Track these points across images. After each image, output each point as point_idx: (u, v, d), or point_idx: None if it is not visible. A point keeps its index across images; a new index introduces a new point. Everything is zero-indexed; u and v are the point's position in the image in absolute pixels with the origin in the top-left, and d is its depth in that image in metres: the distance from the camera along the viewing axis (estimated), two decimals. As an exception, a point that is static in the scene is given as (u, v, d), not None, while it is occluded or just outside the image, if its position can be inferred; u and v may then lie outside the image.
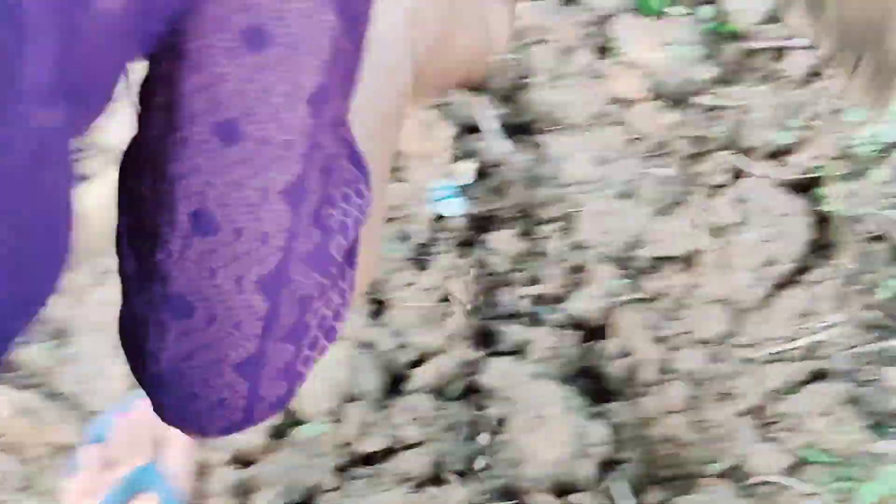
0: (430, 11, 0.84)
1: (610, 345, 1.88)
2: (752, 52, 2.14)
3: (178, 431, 0.69)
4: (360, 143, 0.67)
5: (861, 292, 1.78)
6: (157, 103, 0.56)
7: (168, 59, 0.54)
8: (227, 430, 0.66)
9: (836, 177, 1.88)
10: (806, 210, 1.85)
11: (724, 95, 2.01)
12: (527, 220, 2.00)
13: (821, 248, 1.88)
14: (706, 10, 2.17)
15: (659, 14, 2.13)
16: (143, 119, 0.57)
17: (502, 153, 2.00)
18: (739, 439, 1.72)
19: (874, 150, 1.86)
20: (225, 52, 0.53)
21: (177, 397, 0.63)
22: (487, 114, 2.02)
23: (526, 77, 2.09)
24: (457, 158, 1.99)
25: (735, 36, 2.14)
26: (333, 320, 0.65)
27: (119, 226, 0.63)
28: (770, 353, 1.79)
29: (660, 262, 1.96)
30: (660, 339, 1.88)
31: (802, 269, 1.85)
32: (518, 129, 2.04)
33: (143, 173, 0.59)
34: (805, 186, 1.94)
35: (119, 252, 0.64)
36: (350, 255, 0.65)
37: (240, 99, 0.55)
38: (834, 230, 1.86)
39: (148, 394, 0.64)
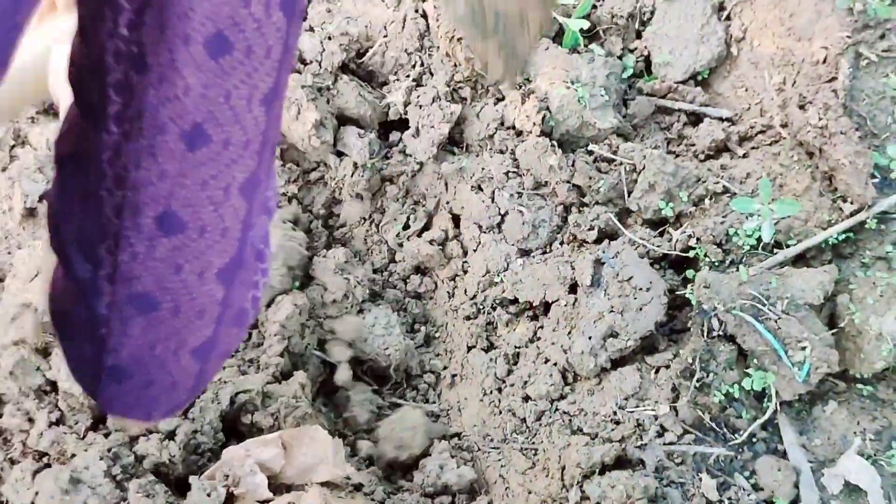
0: None
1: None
2: (664, 111, 2.02)
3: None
4: None
5: (695, 390, 1.68)
6: (116, 112, 0.57)
7: (129, 71, 0.56)
8: (172, 412, 0.71)
9: (706, 262, 1.77)
10: (665, 290, 1.74)
11: (619, 149, 1.89)
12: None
13: (669, 332, 1.79)
14: (630, 58, 2.05)
15: (574, 48, 2.01)
16: (96, 124, 0.58)
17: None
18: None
19: (749, 247, 1.76)
20: (188, 63, 0.56)
21: (132, 385, 0.67)
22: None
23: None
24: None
25: (651, 91, 2.03)
26: (255, 304, 0.70)
27: (63, 232, 0.64)
28: (587, 427, 1.69)
29: (510, 303, 1.87)
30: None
31: (644, 350, 1.75)
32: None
33: (102, 178, 0.59)
34: (673, 263, 1.84)
35: (65, 257, 0.64)
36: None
37: (204, 105, 0.58)
38: (686, 318, 1.76)
39: (95, 390, 0.67)
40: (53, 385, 1.58)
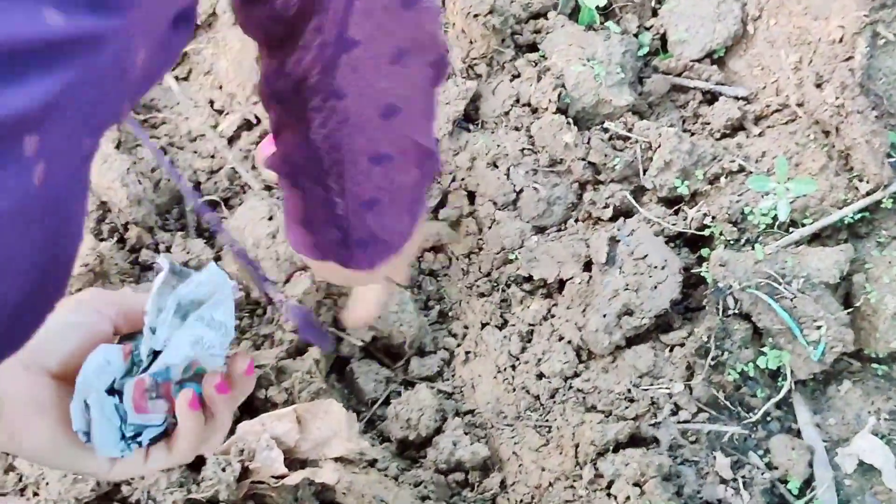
0: None
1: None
2: (679, 89, 2.02)
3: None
4: None
5: (710, 368, 1.68)
6: (319, 122, 0.83)
7: (328, 98, 0.81)
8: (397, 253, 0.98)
9: (721, 241, 1.77)
10: (680, 268, 1.73)
11: (634, 127, 1.89)
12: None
13: (684, 310, 1.79)
14: (646, 35, 2.04)
15: (590, 26, 2.00)
16: (303, 129, 0.84)
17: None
18: (544, 498, 1.63)
19: (765, 225, 1.76)
20: (381, 78, 0.82)
21: (374, 248, 0.94)
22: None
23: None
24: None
25: (667, 69, 2.02)
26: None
27: (299, 178, 0.90)
28: (601, 405, 1.69)
29: (525, 281, 1.86)
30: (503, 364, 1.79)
31: (658, 328, 1.75)
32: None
33: (316, 149, 0.85)
34: (688, 241, 1.84)
35: (302, 189, 0.91)
36: None
37: (392, 91, 0.83)
38: (701, 297, 1.76)
39: (344, 257, 0.95)
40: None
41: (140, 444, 0.83)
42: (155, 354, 0.81)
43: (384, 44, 0.79)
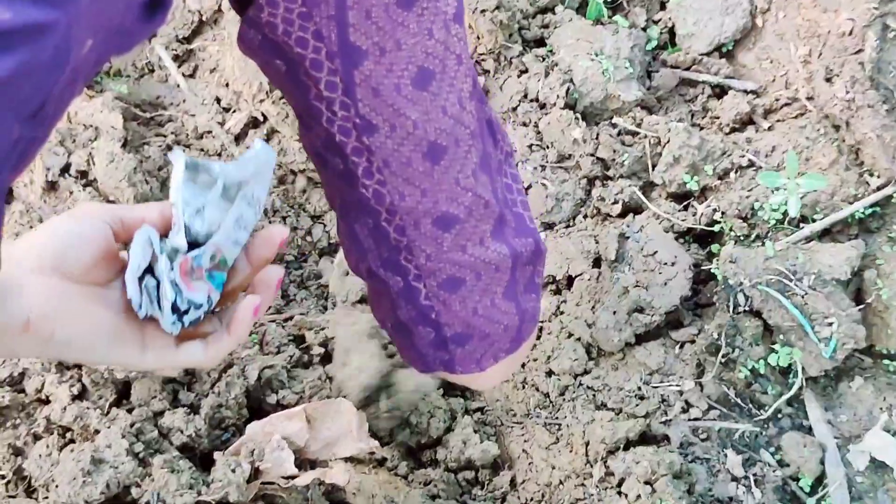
0: None
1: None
2: (688, 83, 2.00)
3: None
4: None
5: (720, 365, 1.67)
6: (364, 170, 0.75)
7: (361, 136, 0.73)
8: (515, 348, 0.91)
9: (731, 237, 1.76)
10: (690, 264, 1.72)
11: (643, 122, 1.87)
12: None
13: (694, 307, 1.78)
14: (654, 29, 2.03)
15: (598, 20, 1.99)
16: (351, 183, 0.77)
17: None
18: (554, 496, 1.62)
19: (775, 221, 1.74)
20: (407, 105, 0.72)
21: (474, 343, 0.85)
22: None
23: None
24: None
25: (675, 63, 2.00)
26: (534, 235, 0.91)
27: (369, 262, 0.83)
28: (611, 403, 1.68)
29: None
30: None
31: (668, 325, 1.74)
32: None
33: (377, 215, 0.78)
34: (698, 237, 1.83)
35: (378, 280, 0.83)
36: None
37: (430, 126, 0.74)
38: (711, 293, 1.75)
39: (448, 360, 0.87)
40: (76, 359, 1.57)
41: (184, 324, 0.84)
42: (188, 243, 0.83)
43: (397, 57, 0.70)
